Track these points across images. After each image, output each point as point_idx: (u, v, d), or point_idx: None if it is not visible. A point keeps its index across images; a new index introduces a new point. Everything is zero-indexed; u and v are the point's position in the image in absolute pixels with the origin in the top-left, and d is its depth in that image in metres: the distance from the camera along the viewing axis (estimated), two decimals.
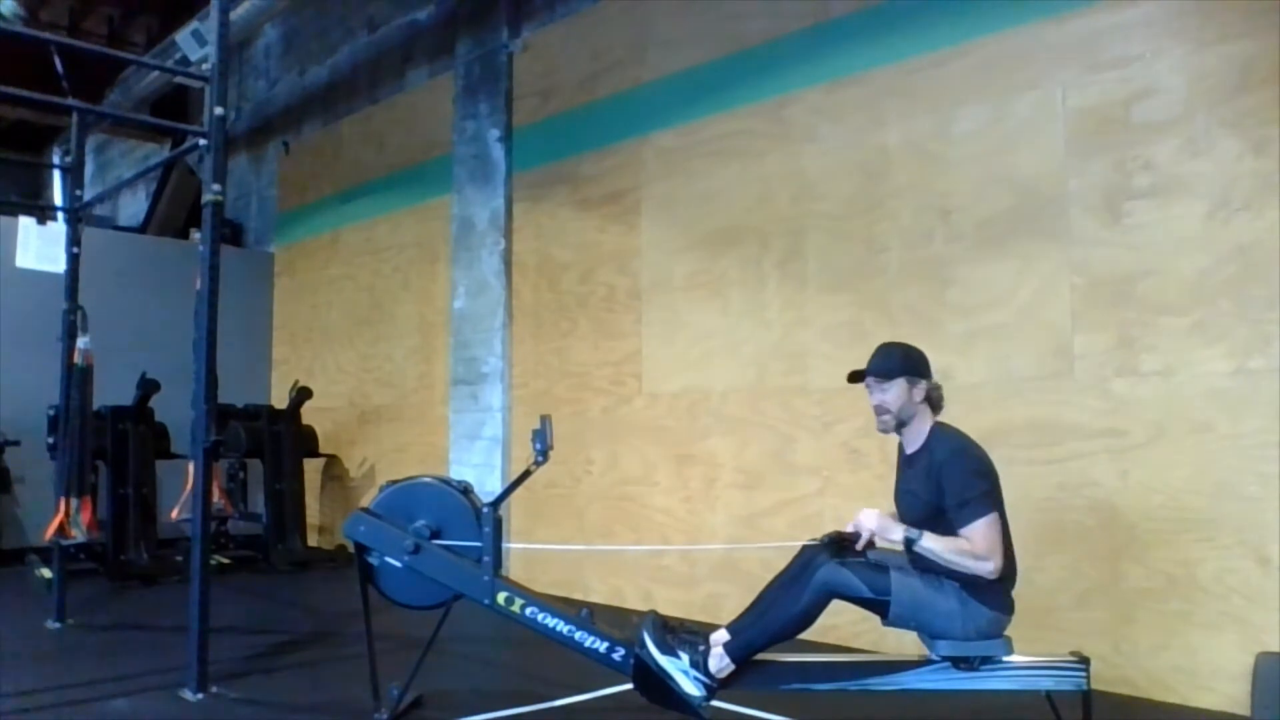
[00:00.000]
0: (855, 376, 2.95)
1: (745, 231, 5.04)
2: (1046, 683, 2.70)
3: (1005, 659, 2.70)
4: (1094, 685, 2.71)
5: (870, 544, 2.78)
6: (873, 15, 4.58)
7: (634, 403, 5.56)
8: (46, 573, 5.71)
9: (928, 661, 2.75)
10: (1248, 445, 3.40)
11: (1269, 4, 3.44)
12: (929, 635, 2.74)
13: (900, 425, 2.87)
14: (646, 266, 5.55)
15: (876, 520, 2.74)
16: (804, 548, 2.85)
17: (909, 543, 2.68)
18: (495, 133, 6.49)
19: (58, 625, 4.79)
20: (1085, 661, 2.70)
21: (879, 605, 2.71)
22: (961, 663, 2.70)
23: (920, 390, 2.86)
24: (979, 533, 2.65)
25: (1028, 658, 2.73)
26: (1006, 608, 2.73)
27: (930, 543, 2.66)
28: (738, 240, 5.07)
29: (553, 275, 6.12)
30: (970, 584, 2.68)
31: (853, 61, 4.64)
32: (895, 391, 2.84)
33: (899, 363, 2.88)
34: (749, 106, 5.07)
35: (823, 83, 4.76)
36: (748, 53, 5.10)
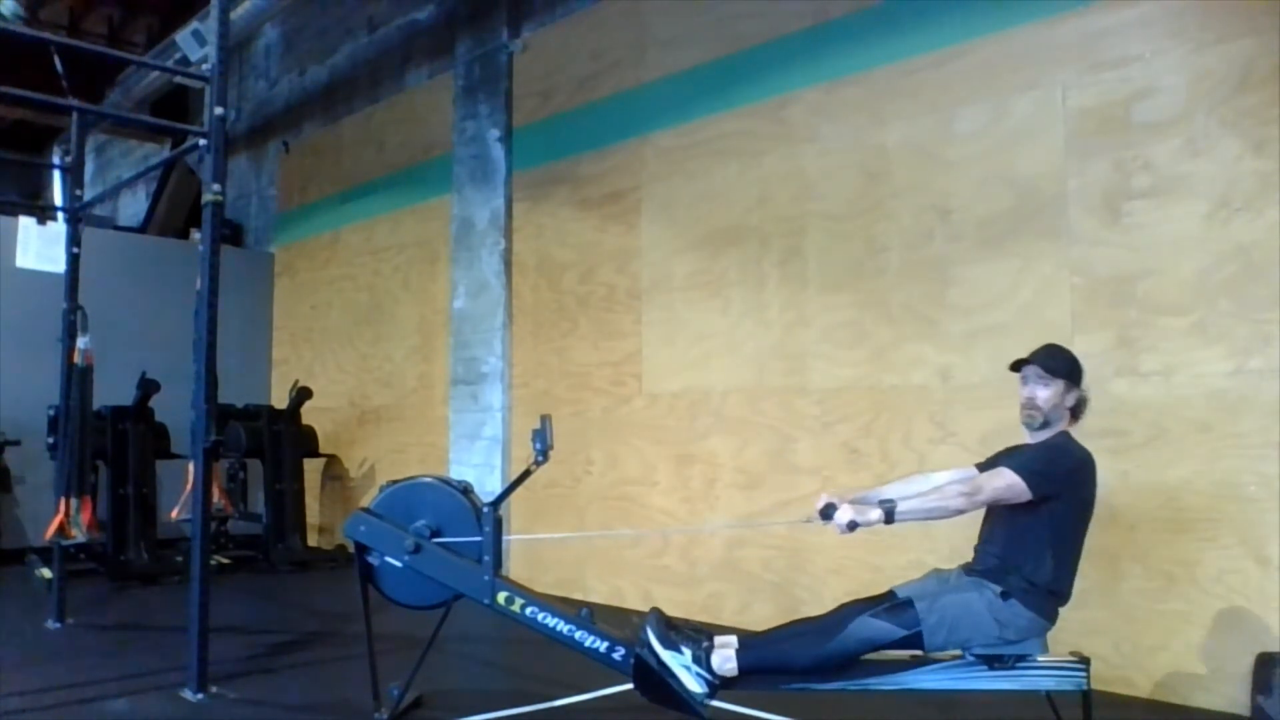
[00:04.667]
0: (1019, 364, 2.89)
1: (745, 231, 5.04)
2: (1046, 683, 2.70)
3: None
4: (1094, 685, 2.70)
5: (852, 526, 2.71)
6: (872, 15, 4.58)
7: (634, 403, 5.56)
8: (46, 573, 5.71)
9: (928, 661, 2.75)
10: (1248, 445, 3.40)
11: (1269, 4, 3.44)
12: (967, 647, 2.71)
13: (1044, 425, 2.82)
14: (646, 266, 5.55)
15: (851, 513, 2.69)
16: (843, 605, 2.83)
17: (888, 515, 2.65)
18: (495, 133, 6.49)
19: (58, 625, 4.79)
20: (1085, 661, 2.69)
21: (913, 639, 2.68)
22: (996, 662, 2.68)
23: (1072, 398, 2.82)
24: (994, 476, 2.68)
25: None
26: (1048, 614, 2.70)
27: (907, 505, 2.67)
28: (738, 240, 5.07)
29: (553, 275, 6.12)
30: (1017, 587, 2.66)
31: (853, 61, 4.64)
32: (1054, 390, 2.79)
33: (1065, 365, 2.83)
34: (749, 106, 5.07)
35: (822, 83, 4.76)
36: (748, 53, 5.10)
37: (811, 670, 2.75)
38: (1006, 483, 2.67)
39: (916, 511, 2.68)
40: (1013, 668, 2.68)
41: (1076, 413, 2.86)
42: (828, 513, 2.75)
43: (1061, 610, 2.75)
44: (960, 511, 2.67)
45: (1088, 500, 2.76)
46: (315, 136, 8.66)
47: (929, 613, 2.67)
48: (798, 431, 4.75)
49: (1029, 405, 2.82)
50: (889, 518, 2.65)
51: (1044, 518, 2.68)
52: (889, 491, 2.91)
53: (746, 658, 2.79)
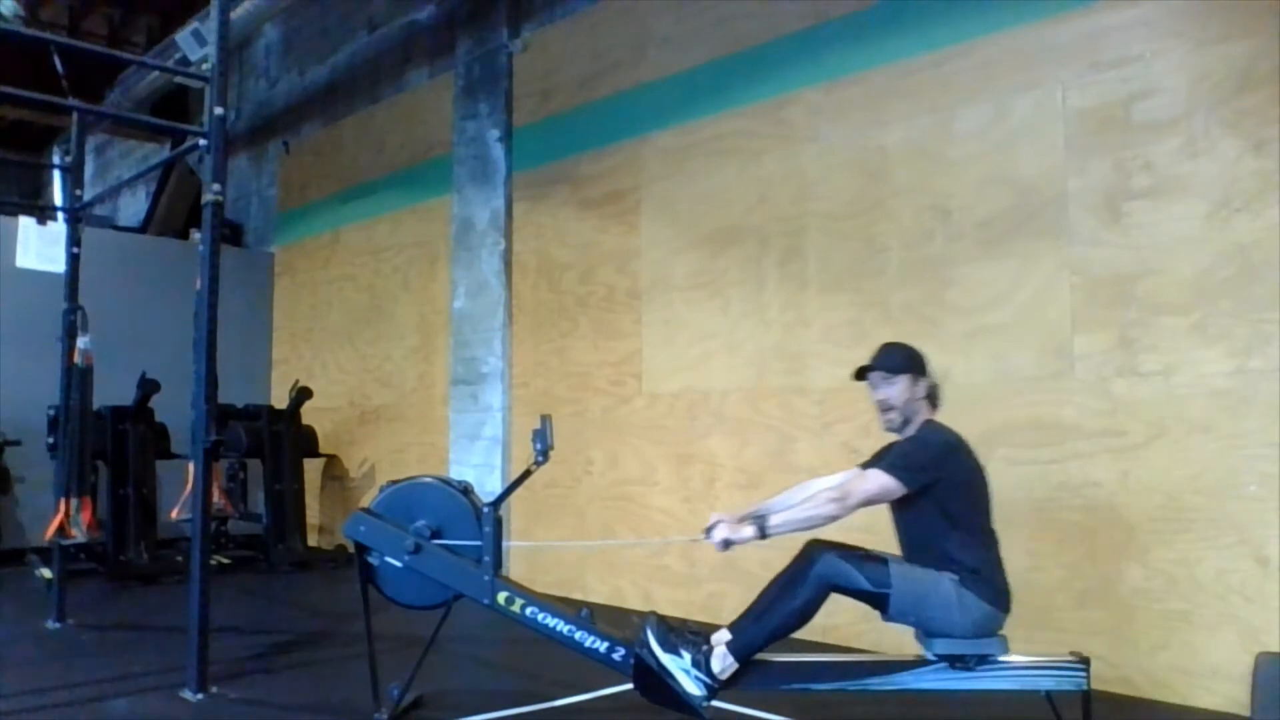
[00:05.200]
0: (861, 372, 2.98)
1: (745, 231, 5.04)
2: (1046, 683, 2.70)
3: (1003, 659, 2.70)
4: (1094, 685, 2.71)
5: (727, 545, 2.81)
6: (872, 15, 4.58)
7: (634, 403, 5.56)
8: (46, 573, 5.71)
9: (928, 661, 2.75)
10: (1248, 445, 3.40)
11: (1269, 4, 3.44)
12: (926, 632, 2.74)
13: (905, 423, 2.89)
14: (646, 266, 5.55)
15: (726, 531, 2.77)
16: (807, 543, 2.85)
17: (761, 532, 2.72)
18: (495, 133, 6.49)
19: (58, 625, 4.79)
20: (1085, 661, 2.70)
21: (879, 599, 2.70)
22: (957, 662, 2.69)
23: (922, 388, 2.91)
24: (862, 477, 2.75)
25: (1027, 658, 2.73)
26: (1000, 603, 2.72)
27: (779, 519, 2.73)
28: (738, 240, 5.07)
29: (553, 275, 6.12)
30: (964, 575, 2.69)
31: (852, 61, 4.64)
32: (900, 387, 2.88)
33: (903, 360, 2.92)
34: (748, 106, 5.07)
35: (822, 83, 4.76)
36: (747, 53, 5.10)
37: (796, 623, 2.74)
38: (877, 484, 2.72)
39: (790, 523, 2.73)
40: (974, 669, 2.68)
41: (934, 400, 2.94)
42: (710, 531, 2.81)
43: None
44: (834, 518, 2.71)
45: (970, 474, 2.80)
46: (315, 136, 8.66)
47: (902, 580, 2.69)
48: (798, 431, 4.75)
49: (883, 408, 2.91)
50: (762, 534, 2.73)
51: (933, 506, 2.73)
52: (776, 502, 2.99)
53: (738, 646, 2.78)
